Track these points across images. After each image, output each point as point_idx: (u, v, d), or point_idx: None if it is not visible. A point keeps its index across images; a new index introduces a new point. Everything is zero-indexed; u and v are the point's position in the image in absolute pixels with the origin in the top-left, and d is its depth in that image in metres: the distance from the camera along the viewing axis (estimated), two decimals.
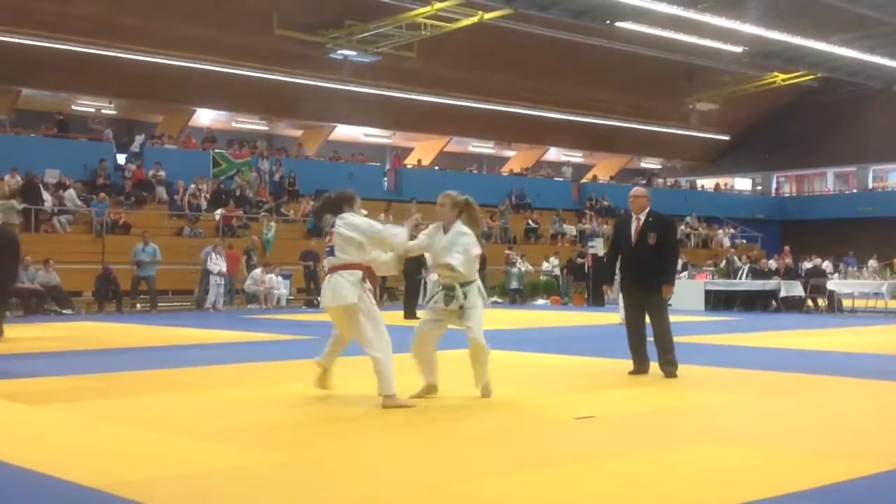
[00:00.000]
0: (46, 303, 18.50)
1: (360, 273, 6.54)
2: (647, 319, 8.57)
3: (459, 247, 6.70)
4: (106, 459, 4.95)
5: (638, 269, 8.48)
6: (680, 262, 20.20)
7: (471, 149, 38.17)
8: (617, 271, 9.15)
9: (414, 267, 17.54)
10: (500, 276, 25.18)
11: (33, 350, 11.20)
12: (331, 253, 6.64)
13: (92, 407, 6.67)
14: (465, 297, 6.73)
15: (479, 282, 6.87)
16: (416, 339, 6.87)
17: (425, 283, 18.53)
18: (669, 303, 8.65)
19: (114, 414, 6.37)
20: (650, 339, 8.54)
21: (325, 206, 6.96)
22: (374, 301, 6.70)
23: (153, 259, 19.64)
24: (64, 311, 18.51)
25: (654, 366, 8.46)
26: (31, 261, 18.22)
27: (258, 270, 21.34)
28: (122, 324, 15.96)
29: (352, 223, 6.57)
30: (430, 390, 6.87)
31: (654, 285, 8.40)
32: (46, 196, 21.58)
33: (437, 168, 34.68)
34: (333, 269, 6.59)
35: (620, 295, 10.78)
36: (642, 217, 8.52)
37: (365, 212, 7.06)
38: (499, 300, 24.45)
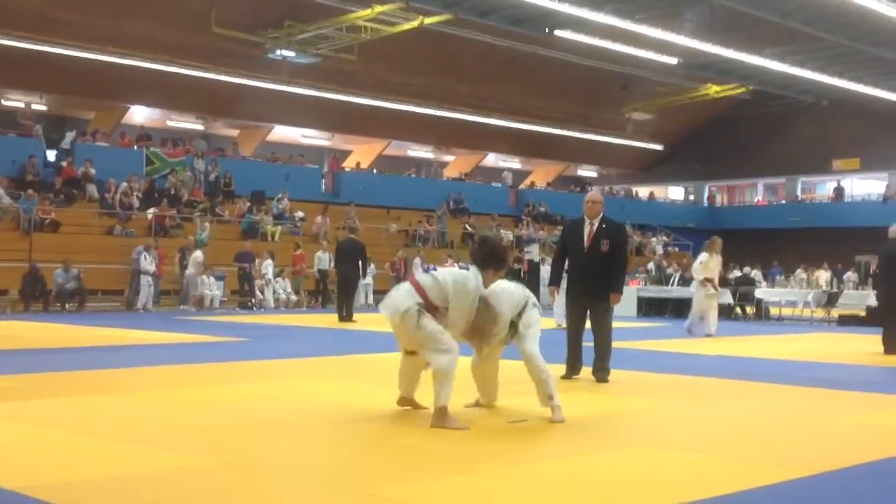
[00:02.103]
0: None
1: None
2: (588, 325, 8.56)
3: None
4: (26, 461, 4.82)
5: (587, 275, 8.39)
6: None
7: (410, 153, 38.19)
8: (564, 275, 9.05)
9: (349, 268, 17.43)
10: None
11: None
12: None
13: (13, 408, 6.48)
14: (520, 318, 6.26)
15: (534, 297, 6.41)
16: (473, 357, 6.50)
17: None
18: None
19: (35, 416, 6.20)
20: (587, 344, 8.54)
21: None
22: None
23: (77, 284, 19.28)
24: None
25: (585, 370, 8.52)
26: None
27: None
28: (48, 323, 15.57)
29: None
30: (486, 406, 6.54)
31: (602, 292, 8.37)
32: None
33: (375, 171, 34.60)
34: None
35: (560, 299, 10.73)
36: (596, 223, 8.43)
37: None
38: None
